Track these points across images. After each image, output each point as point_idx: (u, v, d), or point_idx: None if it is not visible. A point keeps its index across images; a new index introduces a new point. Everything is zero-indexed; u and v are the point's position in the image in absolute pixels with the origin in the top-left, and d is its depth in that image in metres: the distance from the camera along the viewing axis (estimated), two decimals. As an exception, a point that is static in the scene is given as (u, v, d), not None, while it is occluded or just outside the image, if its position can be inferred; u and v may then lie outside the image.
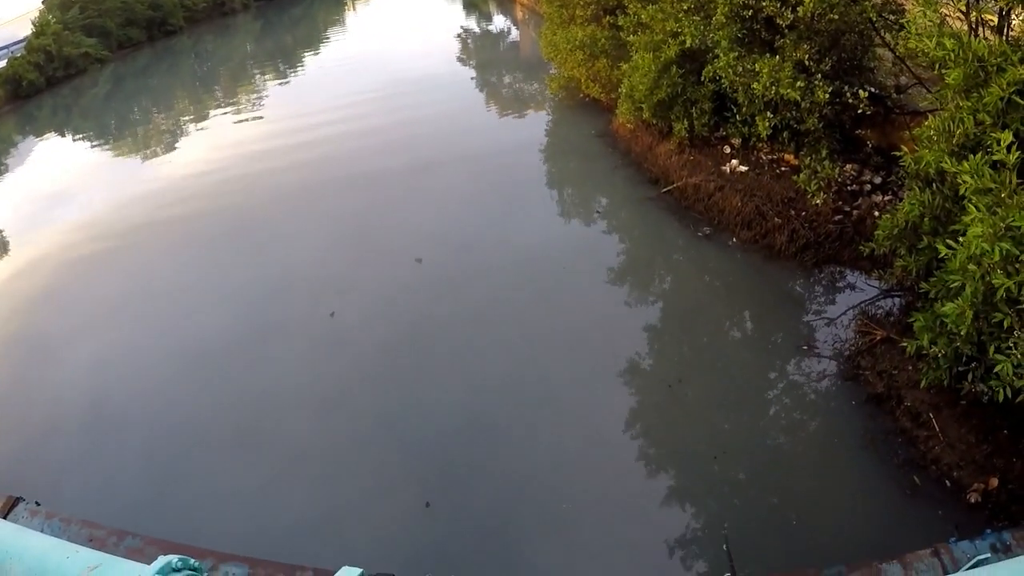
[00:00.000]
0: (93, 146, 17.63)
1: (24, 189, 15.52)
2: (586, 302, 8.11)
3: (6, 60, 23.90)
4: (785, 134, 8.95)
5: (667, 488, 5.65)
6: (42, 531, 2.83)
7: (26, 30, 25.15)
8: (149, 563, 2.52)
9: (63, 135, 18.94)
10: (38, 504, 3.11)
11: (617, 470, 5.89)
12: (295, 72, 22.00)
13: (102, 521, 3.05)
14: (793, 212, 8.51)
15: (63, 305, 9.63)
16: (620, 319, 7.77)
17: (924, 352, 5.21)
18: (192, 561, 2.62)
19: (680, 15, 9.50)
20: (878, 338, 6.52)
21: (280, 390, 7.20)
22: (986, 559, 2.80)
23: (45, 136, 19.16)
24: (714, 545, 5.14)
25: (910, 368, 5.97)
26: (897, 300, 7.21)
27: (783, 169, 9.30)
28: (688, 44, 9.41)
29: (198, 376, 7.57)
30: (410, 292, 8.55)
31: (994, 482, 4.96)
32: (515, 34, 23.16)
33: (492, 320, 7.92)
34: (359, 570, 2.59)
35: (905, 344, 5.38)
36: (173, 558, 2.55)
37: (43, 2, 28.09)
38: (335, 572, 2.56)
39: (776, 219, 8.51)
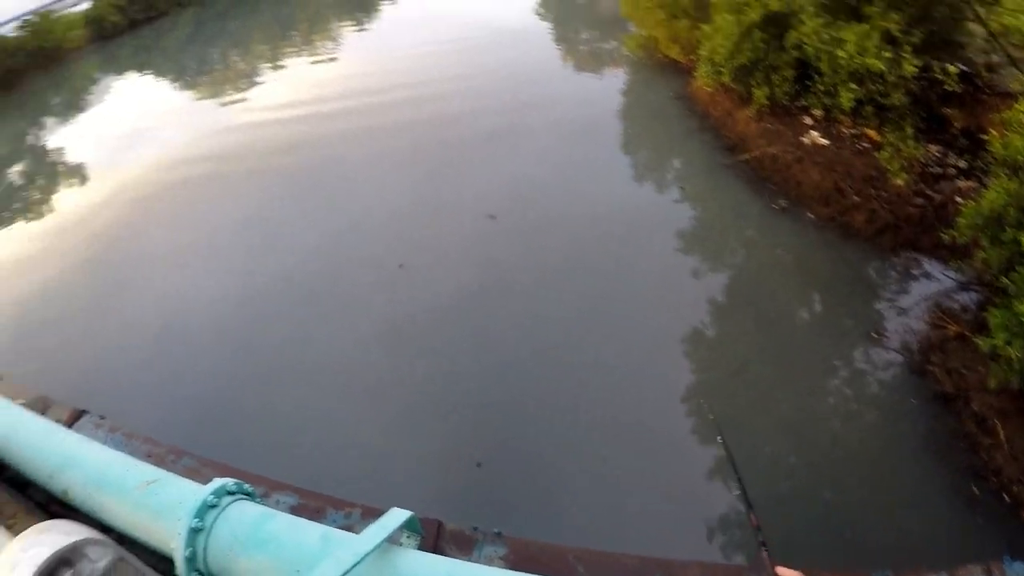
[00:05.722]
0: (172, 86, 18.07)
1: (105, 125, 16.04)
2: (655, 268, 7.97)
3: (91, 1, 24.41)
4: (869, 108, 8.49)
5: (715, 466, 5.54)
6: (104, 443, 2.92)
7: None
8: (204, 483, 2.58)
9: (143, 74, 19.43)
10: (102, 418, 3.22)
11: (668, 441, 5.84)
12: (371, 20, 21.90)
13: (162, 440, 3.16)
14: (873, 191, 8.09)
15: (140, 235, 10.01)
16: (688, 288, 7.60)
17: (998, 352, 4.93)
18: (246, 486, 2.68)
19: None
20: (951, 333, 6.21)
21: (343, 335, 7.39)
22: (1039, 585, 2.61)
23: (125, 75, 19.68)
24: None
25: (981, 369, 5.62)
26: (974, 295, 6.80)
27: (864, 145, 8.85)
28: (772, 8, 8.98)
29: (266, 312, 7.86)
30: (481, 248, 8.55)
31: (1054, 504, 4.71)
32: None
33: (560, 282, 7.83)
34: (409, 512, 2.61)
35: (979, 342, 5.10)
36: (229, 481, 2.60)
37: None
38: (384, 512, 2.59)
39: (855, 197, 8.11)
